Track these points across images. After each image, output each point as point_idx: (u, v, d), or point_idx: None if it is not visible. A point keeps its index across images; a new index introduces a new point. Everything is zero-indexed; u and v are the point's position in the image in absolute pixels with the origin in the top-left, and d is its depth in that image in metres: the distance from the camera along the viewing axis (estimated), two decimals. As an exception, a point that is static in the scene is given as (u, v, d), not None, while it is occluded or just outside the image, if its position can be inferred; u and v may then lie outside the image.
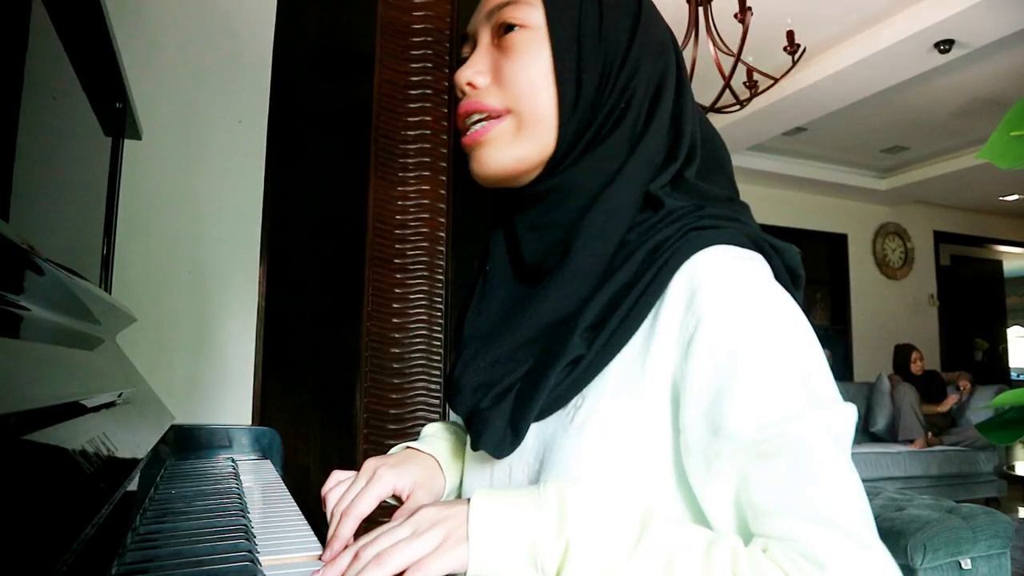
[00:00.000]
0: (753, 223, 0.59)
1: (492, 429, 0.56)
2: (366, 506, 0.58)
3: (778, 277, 0.55)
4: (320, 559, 0.56)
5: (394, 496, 0.62)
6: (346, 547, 0.53)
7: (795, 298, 0.55)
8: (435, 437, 0.71)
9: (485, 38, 0.61)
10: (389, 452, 0.69)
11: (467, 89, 0.60)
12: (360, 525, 0.58)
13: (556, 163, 0.60)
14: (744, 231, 0.56)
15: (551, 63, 0.58)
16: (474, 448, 0.58)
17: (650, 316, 0.53)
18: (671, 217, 0.56)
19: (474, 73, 0.60)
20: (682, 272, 0.52)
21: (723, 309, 0.49)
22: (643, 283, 0.53)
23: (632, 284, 0.54)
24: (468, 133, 0.61)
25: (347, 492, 0.60)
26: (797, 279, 0.59)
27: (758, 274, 0.52)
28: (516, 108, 0.59)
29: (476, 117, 0.60)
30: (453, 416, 0.72)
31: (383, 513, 0.60)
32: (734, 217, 0.57)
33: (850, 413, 0.48)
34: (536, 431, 0.58)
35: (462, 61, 0.63)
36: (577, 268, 0.56)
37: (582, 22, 0.59)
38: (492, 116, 0.60)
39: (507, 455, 0.56)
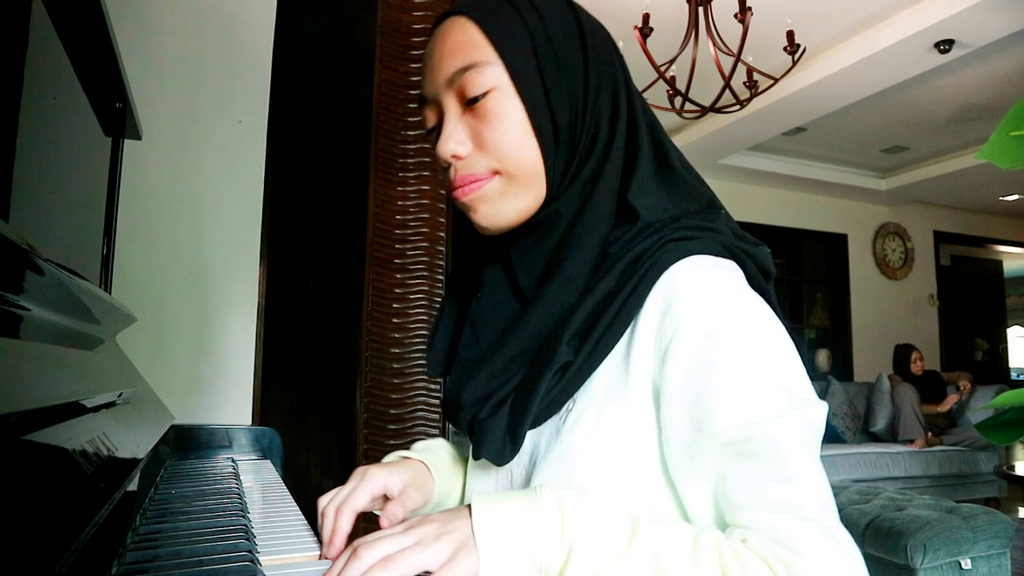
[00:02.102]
0: (726, 230, 0.61)
1: (492, 438, 0.58)
2: (361, 500, 0.59)
3: (753, 280, 0.58)
4: (321, 557, 0.56)
5: (384, 498, 0.63)
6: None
7: (769, 296, 0.59)
8: (427, 449, 0.73)
9: (452, 104, 0.60)
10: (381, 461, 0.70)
11: (452, 161, 0.60)
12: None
13: (549, 200, 0.61)
14: (718, 240, 0.58)
15: (525, 116, 0.59)
16: (475, 457, 0.60)
17: (631, 324, 0.56)
18: (649, 230, 0.58)
19: (456, 144, 0.59)
20: (660, 283, 0.55)
21: (698, 316, 0.52)
22: (624, 293, 0.56)
23: (615, 294, 0.56)
24: (460, 189, 0.61)
25: (339, 492, 0.61)
26: (768, 276, 0.62)
27: (731, 281, 0.55)
28: (503, 169, 0.59)
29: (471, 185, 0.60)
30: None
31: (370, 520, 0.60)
32: (708, 226, 0.59)
33: (821, 412, 0.51)
34: (532, 436, 0.60)
35: (431, 130, 0.63)
36: (564, 279, 0.58)
37: (541, 65, 0.59)
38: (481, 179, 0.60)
39: (507, 462, 0.58)
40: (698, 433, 0.51)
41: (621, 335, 0.56)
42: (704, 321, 0.52)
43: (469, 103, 0.59)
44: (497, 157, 0.59)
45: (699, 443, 0.51)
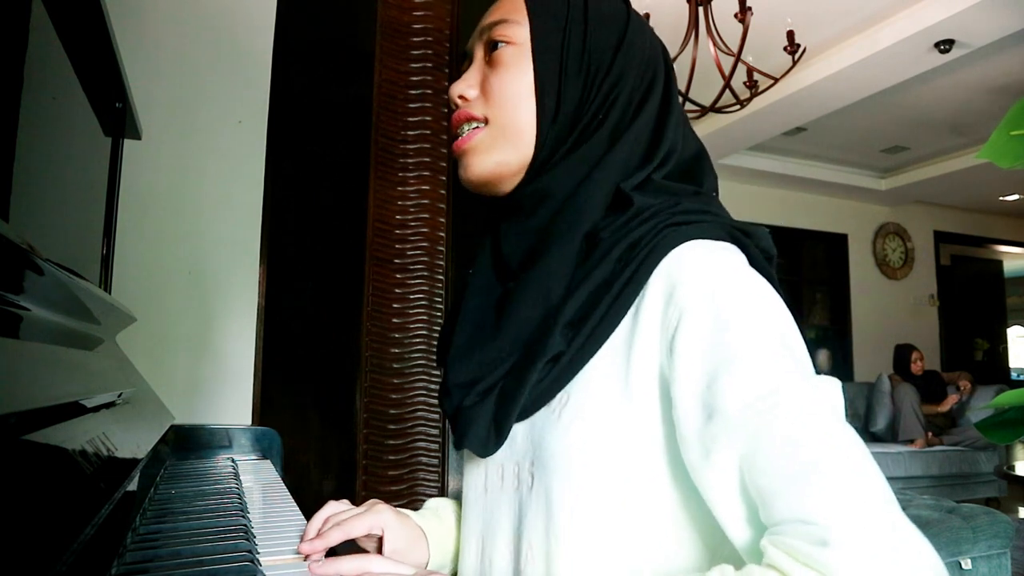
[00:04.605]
0: (724, 212, 0.60)
1: (475, 428, 0.57)
2: (358, 530, 0.62)
3: (755, 262, 0.56)
4: (298, 550, 0.59)
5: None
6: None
7: (771, 277, 0.56)
8: (431, 511, 0.73)
9: (479, 54, 0.65)
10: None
11: (459, 101, 0.65)
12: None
13: (536, 170, 0.62)
14: (717, 222, 0.57)
15: (533, 77, 0.61)
16: (457, 447, 0.60)
17: (631, 313, 0.54)
18: (645, 215, 0.57)
19: (465, 87, 0.64)
20: (660, 269, 0.54)
21: (703, 301, 0.50)
22: (622, 280, 0.54)
23: (611, 282, 0.55)
24: (456, 141, 0.65)
25: (345, 512, 0.64)
26: (771, 259, 0.60)
27: (733, 263, 0.53)
28: (494, 117, 0.62)
29: (465, 128, 0.64)
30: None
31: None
32: (706, 210, 0.58)
33: (835, 388, 0.48)
34: (525, 430, 0.58)
35: (459, 77, 0.67)
36: (548, 269, 0.58)
37: (567, 38, 0.61)
38: (478, 124, 0.64)
39: (491, 454, 0.58)
40: (709, 419, 0.47)
41: (617, 324, 0.54)
42: (709, 304, 0.50)
43: (489, 51, 0.63)
44: (493, 104, 0.62)
45: (712, 429, 0.47)
